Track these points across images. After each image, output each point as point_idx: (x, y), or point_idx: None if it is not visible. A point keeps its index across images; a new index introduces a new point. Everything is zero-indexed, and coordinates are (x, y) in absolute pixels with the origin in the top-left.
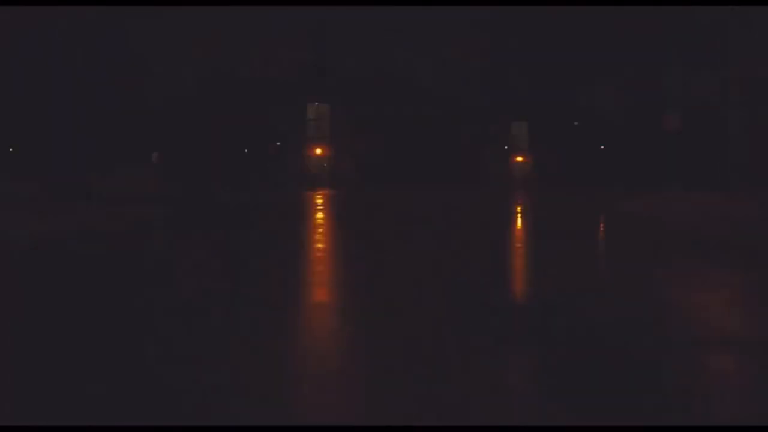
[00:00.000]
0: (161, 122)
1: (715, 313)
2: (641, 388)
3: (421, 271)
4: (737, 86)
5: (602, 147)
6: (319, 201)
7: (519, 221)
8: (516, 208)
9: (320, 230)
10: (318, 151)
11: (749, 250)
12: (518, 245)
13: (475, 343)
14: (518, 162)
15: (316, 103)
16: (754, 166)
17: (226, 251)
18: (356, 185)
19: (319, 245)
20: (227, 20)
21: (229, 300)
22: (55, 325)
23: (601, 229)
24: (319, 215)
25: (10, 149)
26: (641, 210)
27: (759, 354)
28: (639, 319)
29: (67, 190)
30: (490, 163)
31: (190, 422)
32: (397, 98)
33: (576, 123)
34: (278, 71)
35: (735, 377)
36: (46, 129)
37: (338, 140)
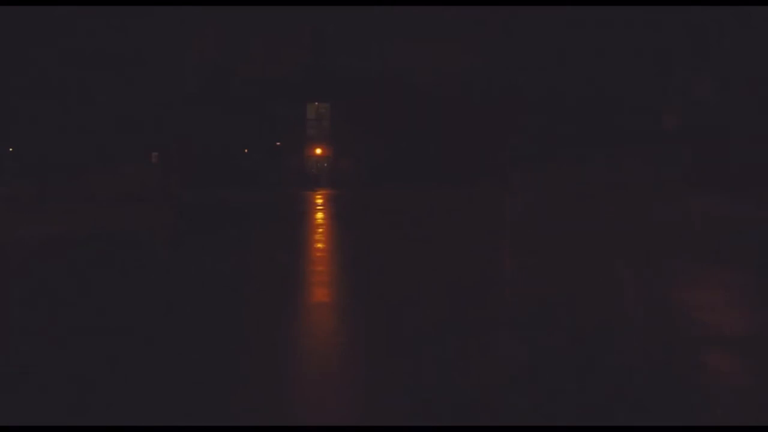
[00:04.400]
0: (161, 122)
1: (714, 313)
2: (640, 387)
3: (421, 271)
4: (738, 86)
5: (601, 147)
6: (319, 201)
7: (519, 221)
8: (516, 208)
9: (320, 230)
10: (318, 151)
11: (747, 251)
12: (518, 246)
13: (475, 343)
14: (517, 162)
15: (316, 103)
16: (755, 166)
17: (225, 251)
18: (356, 185)
19: (319, 245)
20: (227, 20)
21: (229, 300)
22: (53, 325)
23: (600, 229)
24: (319, 215)
25: (10, 149)
26: (641, 209)
27: (759, 354)
28: (637, 318)
29: (67, 190)
30: (490, 163)
31: (190, 422)
32: (397, 98)
33: (576, 123)
34: (278, 71)
35: (734, 377)
36: (45, 129)
37: (338, 140)
